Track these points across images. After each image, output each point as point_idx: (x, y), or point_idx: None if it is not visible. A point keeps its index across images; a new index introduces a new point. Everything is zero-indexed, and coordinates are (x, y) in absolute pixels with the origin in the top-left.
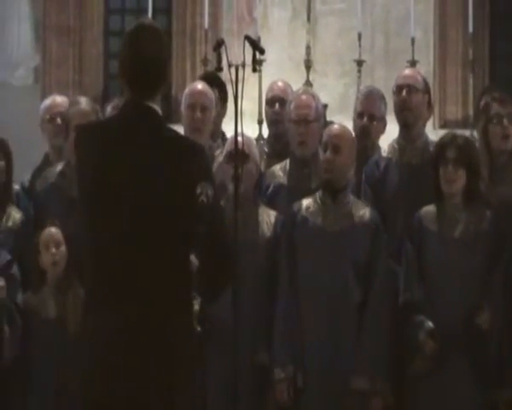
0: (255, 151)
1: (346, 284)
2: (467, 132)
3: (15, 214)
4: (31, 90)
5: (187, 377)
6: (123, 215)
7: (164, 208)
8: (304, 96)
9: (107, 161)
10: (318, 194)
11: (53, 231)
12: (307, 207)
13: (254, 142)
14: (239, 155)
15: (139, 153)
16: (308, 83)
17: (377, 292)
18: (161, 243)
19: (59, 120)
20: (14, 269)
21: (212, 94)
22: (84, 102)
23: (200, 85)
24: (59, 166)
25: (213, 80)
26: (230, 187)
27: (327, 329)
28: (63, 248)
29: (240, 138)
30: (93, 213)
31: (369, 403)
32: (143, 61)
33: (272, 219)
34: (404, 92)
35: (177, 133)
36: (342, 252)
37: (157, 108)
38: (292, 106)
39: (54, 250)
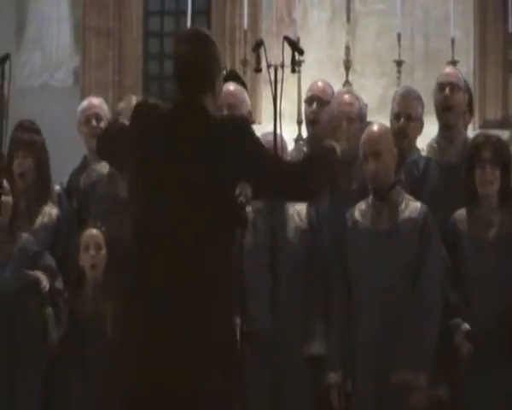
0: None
1: (397, 283)
2: (506, 133)
3: (52, 211)
4: (70, 92)
5: (224, 365)
6: (165, 201)
7: (208, 194)
8: (347, 95)
9: (154, 146)
10: (370, 196)
11: (94, 233)
12: (359, 211)
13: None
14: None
15: (187, 152)
16: (347, 83)
17: (425, 287)
18: (203, 232)
19: (94, 122)
20: (48, 257)
21: (241, 93)
22: (134, 100)
23: (232, 87)
24: (104, 164)
25: (236, 79)
26: None
27: (379, 330)
28: (104, 251)
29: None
30: (136, 195)
31: (412, 397)
32: (180, 63)
33: (303, 211)
34: (446, 90)
35: (220, 118)
36: (392, 251)
37: (204, 102)
38: (334, 104)
39: (93, 252)
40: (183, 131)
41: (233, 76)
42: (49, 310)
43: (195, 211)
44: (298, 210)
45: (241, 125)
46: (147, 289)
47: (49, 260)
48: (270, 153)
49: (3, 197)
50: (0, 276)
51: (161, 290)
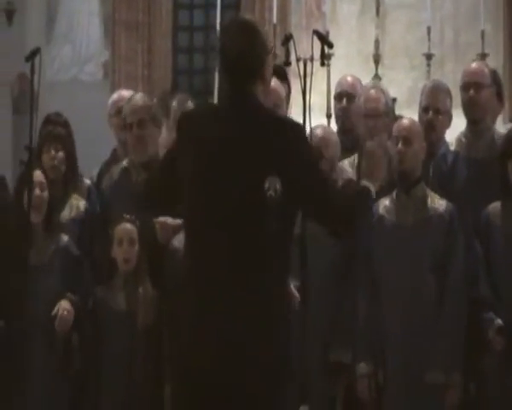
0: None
1: (424, 278)
2: None
3: (80, 204)
4: (100, 86)
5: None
6: (212, 206)
7: (256, 201)
8: (373, 91)
9: (202, 149)
10: (395, 191)
11: (128, 227)
12: (384, 206)
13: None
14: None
15: (232, 137)
16: (377, 77)
17: (453, 284)
18: (245, 233)
19: None
20: (85, 268)
21: (283, 90)
22: (136, 98)
23: (272, 83)
24: (123, 163)
25: (279, 75)
26: None
27: (406, 324)
28: (137, 246)
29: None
30: (191, 196)
31: (444, 396)
32: (226, 54)
33: None
34: (471, 91)
35: (273, 116)
36: (418, 246)
37: (255, 93)
38: (361, 100)
39: (126, 247)
40: (236, 127)
41: (278, 71)
42: (75, 337)
43: (245, 210)
44: None
45: (300, 132)
46: (203, 285)
47: (87, 272)
48: (320, 171)
49: (39, 192)
50: (43, 281)
51: (217, 283)
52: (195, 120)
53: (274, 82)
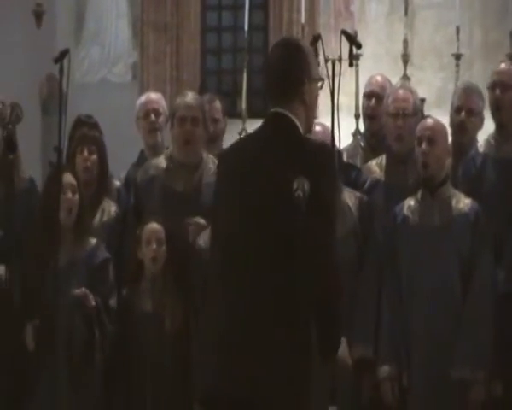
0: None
1: (449, 279)
2: None
3: (111, 209)
4: (129, 87)
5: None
6: (239, 211)
7: (284, 207)
8: (402, 91)
9: (240, 185)
10: (420, 192)
11: (156, 227)
12: (408, 206)
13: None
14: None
15: (268, 162)
16: (405, 77)
17: (479, 283)
18: (273, 241)
19: (153, 117)
20: (110, 269)
21: None
22: (190, 95)
23: None
24: (160, 158)
25: None
26: None
27: (431, 325)
28: (164, 247)
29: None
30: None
31: (470, 393)
32: (269, 73)
33: (356, 202)
34: (497, 91)
35: (308, 140)
36: (443, 246)
37: (290, 115)
38: (389, 100)
39: (154, 247)
40: (269, 146)
41: None
42: (97, 332)
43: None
44: (350, 204)
45: (330, 165)
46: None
47: (111, 274)
48: (333, 223)
49: (70, 195)
50: (70, 283)
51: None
52: (229, 156)
53: None
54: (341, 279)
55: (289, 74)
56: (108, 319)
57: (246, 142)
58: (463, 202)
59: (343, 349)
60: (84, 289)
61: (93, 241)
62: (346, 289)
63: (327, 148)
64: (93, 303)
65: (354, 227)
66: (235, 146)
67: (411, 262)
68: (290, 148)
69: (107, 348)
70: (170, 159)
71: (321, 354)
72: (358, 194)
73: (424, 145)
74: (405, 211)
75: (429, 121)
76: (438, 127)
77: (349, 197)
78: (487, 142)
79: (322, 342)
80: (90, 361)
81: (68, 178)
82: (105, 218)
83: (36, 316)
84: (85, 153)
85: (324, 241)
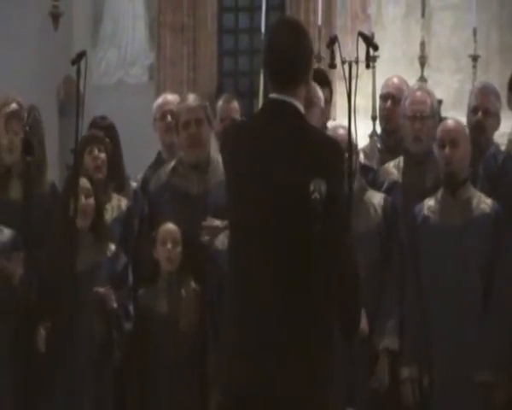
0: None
1: (470, 279)
2: None
3: (121, 204)
4: (145, 88)
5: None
6: (253, 212)
7: (299, 208)
8: (419, 92)
9: (241, 162)
10: (440, 192)
11: (172, 227)
12: (429, 207)
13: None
14: (351, 148)
15: (275, 151)
16: (422, 79)
17: (501, 284)
18: (290, 240)
19: (169, 118)
20: (129, 274)
21: (321, 94)
22: (191, 98)
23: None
24: (171, 164)
25: (322, 79)
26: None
27: (453, 325)
28: (179, 248)
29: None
30: (235, 211)
31: (493, 396)
32: (276, 55)
33: (381, 201)
34: None
35: (314, 130)
36: (464, 246)
37: (297, 103)
38: (407, 102)
39: (170, 247)
40: (274, 133)
41: (321, 76)
42: (114, 332)
43: (284, 216)
44: (375, 203)
45: (339, 154)
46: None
47: (129, 277)
48: (344, 212)
49: (84, 199)
50: (89, 288)
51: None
52: (235, 133)
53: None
54: (358, 269)
55: (300, 59)
56: (126, 320)
57: (251, 125)
58: (484, 202)
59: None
60: (109, 287)
61: (112, 247)
62: (369, 287)
63: (336, 143)
64: (114, 305)
65: (378, 227)
66: (241, 126)
67: (432, 262)
68: (300, 143)
69: (123, 347)
70: (181, 164)
71: (342, 334)
72: (383, 194)
73: (447, 148)
74: (425, 211)
75: (450, 123)
76: (459, 129)
77: (374, 197)
78: (509, 140)
79: (344, 324)
80: (107, 360)
81: (83, 182)
82: (115, 213)
83: (48, 318)
84: (95, 152)
85: (341, 239)
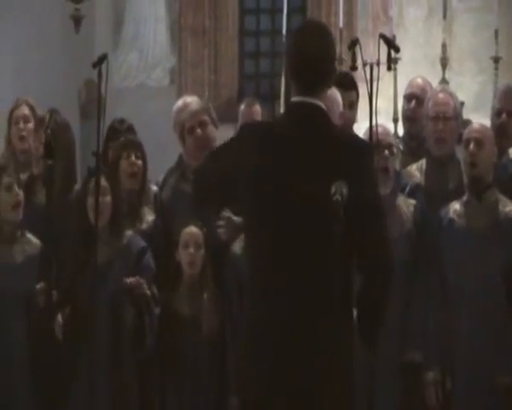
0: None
1: (494, 282)
2: None
3: (149, 218)
4: (167, 91)
5: (337, 379)
6: (278, 213)
7: (322, 209)
8: (442, 94)
9: (265, 163)
10: (465, 195)
11: (194, 230)
12: (454, 210)
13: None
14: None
15: (300, 154)
16: (444, 81)
17: None
18: (313, 242)
19: None
20: (149, 258)
21: (340, 98)
22: (193, 102)
23: (332, 93)
24: (179, 171)
25: (348, 83)
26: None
27: (477, 328)
28: (202, 251)
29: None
30: (251, 211)
31: None
32: (305, 58)
33: (411, 208)
34: None
35: (342, 132)
36: (488, 250)
37: (323, 106)
38: (430, 103)
39: (192, 251)
40: (303, 135)
41: (347, 80)
42: (147, 318)
43: (307, 217)
44: (406, 210)
45: (369, 155)
46: (260, 295)
47: (151, 262)
48: (380, 204)
49: (101, 198)
50: (104, 279)
51: (284, 295)
52: (258, 133)
53: (332, 91)
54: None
55: (328, 63)
56: (154, 304)
57: (275, 128)
58: (510, 207)
59: None
60: (138, 277)
61: (128, 233)
62: (399, 292)
63: (364, 143)
64: (147, 292)
65: (408, 232)
66: (264, 125)
67: (457, 265)
68: (329, 144)
69: (155, 332)
70: (189, 169)
71: (364, 342)
72: (413, 201)
73: (472, 147)
74: (451, 214)
75: (476, 125)
76: (484, 131)
77: (404, 203)
78: None
79: (366, 332)
80: (141, 346)
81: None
82: (144, 226)
83: (67, 305)
84: (132, 158)
85: (382, 235)
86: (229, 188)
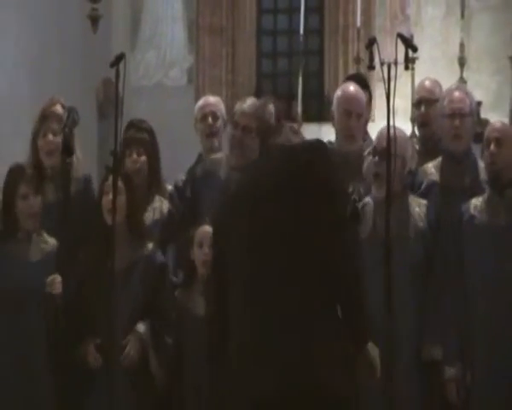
0: (404, 146)
1: None
2: None
3: (163, 207)
4: (184, 91)
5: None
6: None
7: (312, 251)
8: (457, 92)
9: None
10: (486, 191)
11: (209, 230)
12: (475, 206)
13: (405, 135)
14: (390, 152)
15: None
16: (462, 80)
17: None
18: (311, 293)
19: (210, 120)
20: (167, 276)
21: (364, 98)
22: (247, 102)
23: (353, 89)
24: (220, 156)
25: (361, 83)
26: (379, 184)
27: (497, 324)
28: None
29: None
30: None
31: None
32: None
33: (423, 209)
34: None
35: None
36: (509, 246)
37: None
38: (445, 101)
39: (206, 250)
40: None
41: (359, 80)
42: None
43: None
44: (418, 210)
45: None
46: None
47: (168, 281)
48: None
49: (111, 196)
50: (123, 287)
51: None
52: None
53: (356, 90)
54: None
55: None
56: (166, 341)
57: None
58: None
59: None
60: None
61: (150, 245)
62: (413, 292)
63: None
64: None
65: (422, 232)
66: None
67: (477, 262)
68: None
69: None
70: (227, 159)
71: (354, 343)
72: (425, 201)
73: (492, 147)
74: (472, 210)
75: (497, 123)
76: (505, 129)
77: (417, 204)
78: None
79: (354, 332)
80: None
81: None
82: (157, 215)
83: (96, 333)
84: (134, 155)
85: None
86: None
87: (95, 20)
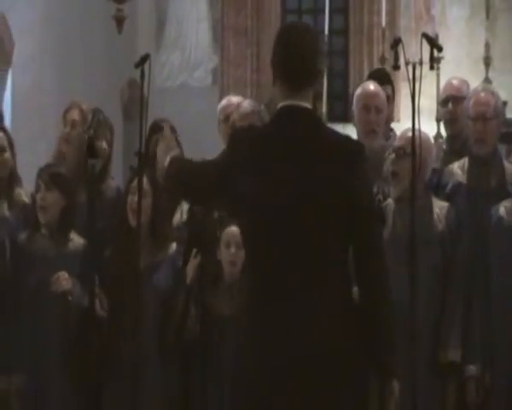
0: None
1: None
2: None
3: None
4: (209, 91)
5: (348, 373)
6: (279, 218)
7: (321, 210)
8: (483, 94)
9: (259, 169)
10: None
11: (235, 231)
12: (505, 208)
13: (427, 136)
14: (415, 152)
15: (294, 158)
16: (487, 80)
17: None
18: (320, 246)
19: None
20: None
21: (383, 94)
22: (246, 103)
23: (372, 86)
24: None
25: (383, 78)
26: (402, 183)
27: None
28: (243, 251)
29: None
30: (250, 218)
31: None
32: (291, 51)
33: (444, 211)
34: None
35: (334, 135)
36: None
37: (310, 106)
38: (470, 103)
39: (233, 250)
40: (293, 140)
41: (382, 75)
42: (193, 309)
43: (310, 219)
44: (438, 212)
45: (358, 156)
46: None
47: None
48: (373, 207)
49: (136, 198)
50: (146, 287)
51: (285, 287)
52: (251, 137)
53: (375, 86)
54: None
55: (313, 58)
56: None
57: (273, 137)
58: None
59: None
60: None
61: (174, 246)
62: (433, 294)
63: (355, 142)
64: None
65: (442, 234)
66: (257, 131)
67: (503, 263)
68: (322, 148)
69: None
70: None
71: (379, 377)
72: (446, 203)
73: None
74: (501, 212)
75: None
76: None
77: (437, 206)
78: None
79: (379, 359)
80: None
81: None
82: (184, 217)
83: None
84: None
85: (376, 245)
86: (213, 194)
87: (120, 20)
